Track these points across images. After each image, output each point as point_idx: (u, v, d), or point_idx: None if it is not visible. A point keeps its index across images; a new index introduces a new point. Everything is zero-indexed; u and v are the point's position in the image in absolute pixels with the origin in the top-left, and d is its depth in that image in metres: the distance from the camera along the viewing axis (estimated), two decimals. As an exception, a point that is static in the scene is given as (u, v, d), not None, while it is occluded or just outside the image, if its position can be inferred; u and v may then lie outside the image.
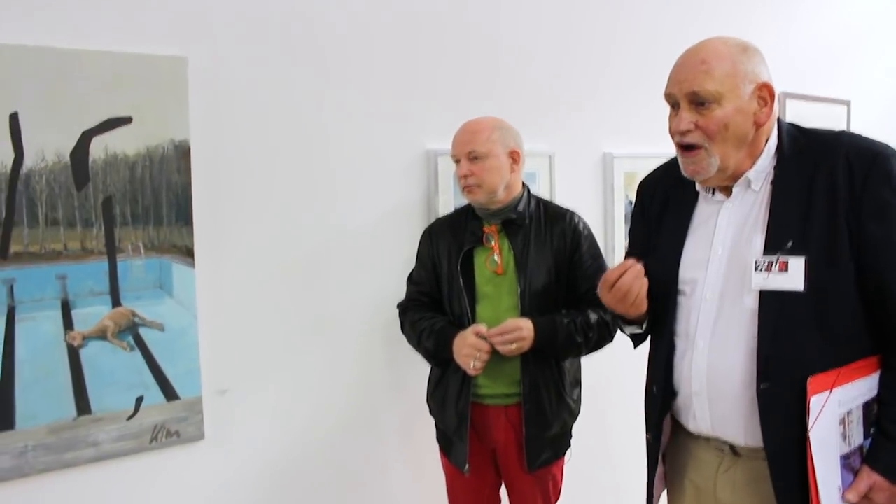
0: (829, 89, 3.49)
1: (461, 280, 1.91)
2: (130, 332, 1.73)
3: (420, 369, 2.05)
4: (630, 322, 1.52)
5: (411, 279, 2.07)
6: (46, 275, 1.62)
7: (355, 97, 2.06)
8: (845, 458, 1.29)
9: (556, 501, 2.02)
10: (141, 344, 1.75)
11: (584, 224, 1.98)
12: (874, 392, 1.32)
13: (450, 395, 1.92)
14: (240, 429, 1.92)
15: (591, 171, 2.63)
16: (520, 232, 1.92)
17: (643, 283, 1.40)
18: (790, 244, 1.28)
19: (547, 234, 1.93)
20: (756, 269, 1.30)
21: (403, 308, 2.05)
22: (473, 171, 1.87)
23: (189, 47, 1.77)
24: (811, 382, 1.25)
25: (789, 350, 1.28)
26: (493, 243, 1.93)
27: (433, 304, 2.01)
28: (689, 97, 1.32)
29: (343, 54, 2.04)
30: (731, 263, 1.36)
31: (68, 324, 1.65)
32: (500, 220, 1.93)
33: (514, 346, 1.80)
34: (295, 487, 2.03)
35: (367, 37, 2.08)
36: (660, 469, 1.52)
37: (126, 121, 1.69)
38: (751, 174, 1.37)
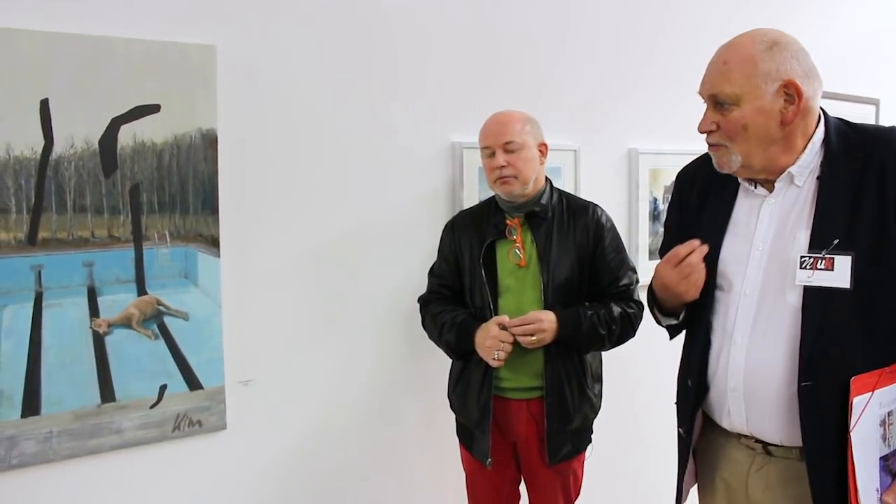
0: (857, 88, 3.44)
1: (483, 273, 1.89)
2: (155, 320, 1.73)
3: (441, 363, 2.05)
4: (668, 312, 1.50)
5: (433, 272, 2.06)
6: (73, 261, 1.63)
7: (382, 88, 2.05)
8: (884, 460, 1.27)
9: (576, 497, 2.01)
10: (165, 332, 1.75)
11: (607, 217, 1.97)
12: None
13: (472, 389, 1.91)
14: (262, 419, 1.91)
15: (616, 167, 2.61)
16: (542, 225, 1.91)
17: (703, 266, 1.38)
18: (837, 241, 1.26)
19: (570, 227, 1.91)
20: (801, 265, 1.28)
21: (425, 301, 2.04)
22: (510, 162, 1.86)
23: (218, 36, 1.77)
24: (854, 382, 1.23)
25: (833, 348, 1.26)
26: (515, 236, 1.91)
27: (455, 298, 2.00)
28: (710, 98, 1.35)
29: (370, 46, 2.03)
30: (773, 259, 1.34)
31: (94, 311, 1.65)
32: (523, 212, 1.92)
33: (533, 338, 1.79)
34: (315, 479, 2.03)
35: (393, 29, 2.07)
36: (690, 465, 1.51)
37: (154, 109, 1.69)
38: (794, 169, 1.34)
